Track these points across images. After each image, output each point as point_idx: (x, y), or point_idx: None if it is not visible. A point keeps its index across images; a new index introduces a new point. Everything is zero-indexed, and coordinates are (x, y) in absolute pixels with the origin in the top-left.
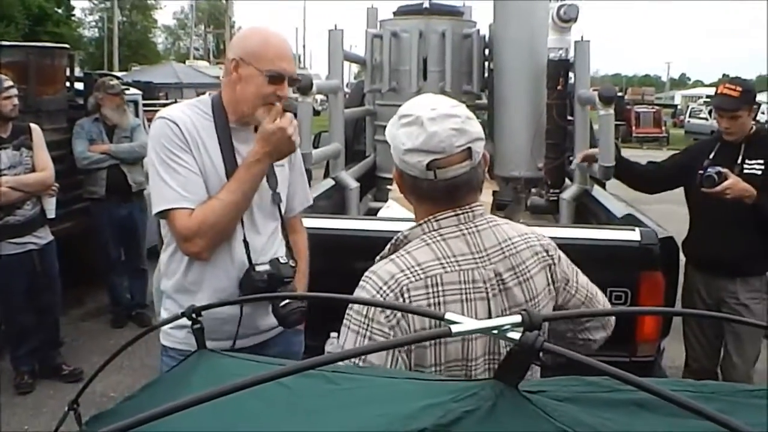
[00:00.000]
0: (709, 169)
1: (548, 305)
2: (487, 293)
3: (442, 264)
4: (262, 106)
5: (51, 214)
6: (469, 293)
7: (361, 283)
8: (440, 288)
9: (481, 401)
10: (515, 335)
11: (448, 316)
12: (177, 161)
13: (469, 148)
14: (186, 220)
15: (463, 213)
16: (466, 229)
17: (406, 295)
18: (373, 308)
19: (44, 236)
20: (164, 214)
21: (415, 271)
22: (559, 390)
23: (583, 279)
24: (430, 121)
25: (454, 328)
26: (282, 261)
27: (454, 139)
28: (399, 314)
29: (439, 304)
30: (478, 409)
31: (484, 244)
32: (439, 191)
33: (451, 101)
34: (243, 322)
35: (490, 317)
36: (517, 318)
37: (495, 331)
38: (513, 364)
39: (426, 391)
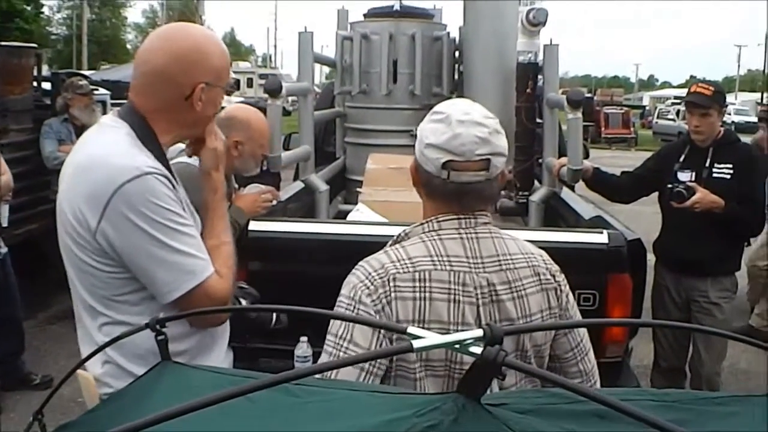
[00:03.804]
0: (677, 185)
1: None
2: (478, 300)
3: (433, 261)
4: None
5: (5, 221)
6: (458, 295)
7: (353, 269)
8: (428, 284)
9: (443, 415)
10: (478, 349)
11: (411, 329)
12: (182, 221)
13: (488, 160)
14: (221, 283)
15: (465, 218)
16: (466, 233)
17: (392, 284)
18: (359, 291)
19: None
20: (194, 290)
21: (405, 263)
22: (521, 402)
23: (582, 329)
24: (458, 122)
25: (416, 344)
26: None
27: (476, 146)
28: (384, 300)
29: (425, 299)
30: (441, 423)
31: (481, 251)
32: (449, 193)
33: (486, 112)
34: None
35: (479, 324)
36: (479, 332)
37: (457, 346)
38: (475, 378)
39: (388, 405)
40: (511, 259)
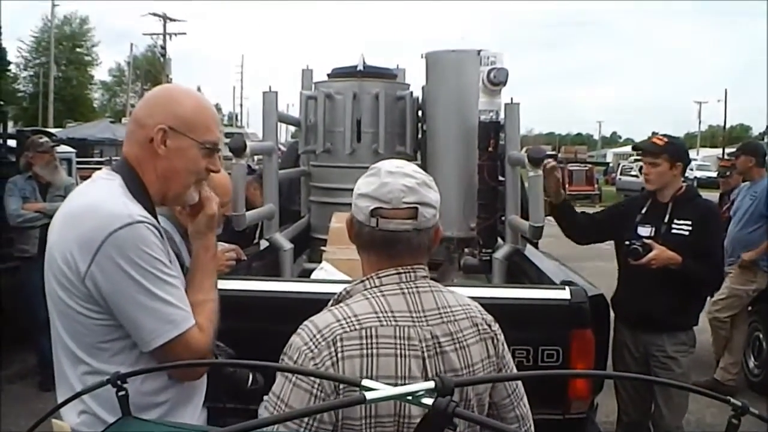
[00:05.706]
0: (634, 242)
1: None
2: (423, 353)
3: (378, 317)
4: (194, 185)
5: None
6: (404, 349)
7: (298, 329)
8: (374, 340)
9: None
10: (429, 401)
11: (365, 382)
12: (168, 272)
13: (416, 208)
14: (201, 336)
15: (405, 272)
16: (407, 288)
17: (338, 345)
18: (303, 355)
19: None
20: (175, 340)
21: (351, 321)
22: None
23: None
24: (387, 173)
25: (369, 395)
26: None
27: (403, 194)
28: (328, 362)
29: (372, 356)
30: None
31: (423, 305)
32: (378, 241)
33: (419, 170)
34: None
35: (426, 376)
36: (431, 384)
37: (409, 397)
38: (427, 430)
39: None
40: (451, 312)
